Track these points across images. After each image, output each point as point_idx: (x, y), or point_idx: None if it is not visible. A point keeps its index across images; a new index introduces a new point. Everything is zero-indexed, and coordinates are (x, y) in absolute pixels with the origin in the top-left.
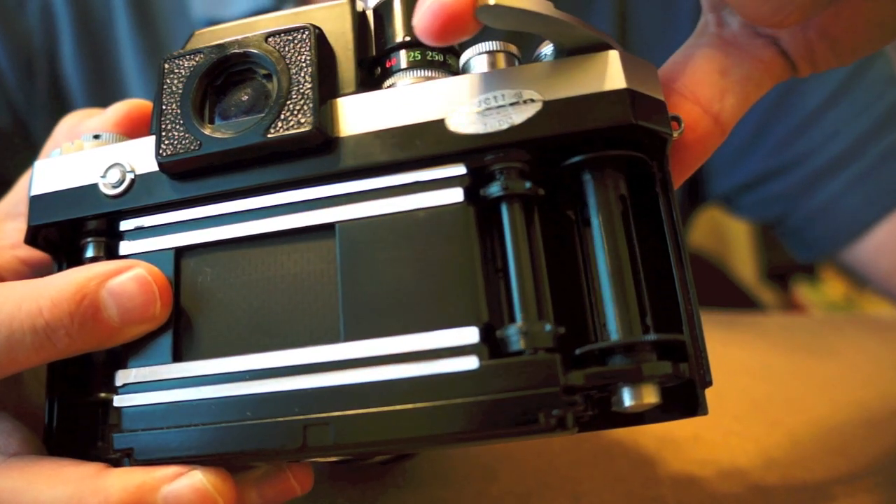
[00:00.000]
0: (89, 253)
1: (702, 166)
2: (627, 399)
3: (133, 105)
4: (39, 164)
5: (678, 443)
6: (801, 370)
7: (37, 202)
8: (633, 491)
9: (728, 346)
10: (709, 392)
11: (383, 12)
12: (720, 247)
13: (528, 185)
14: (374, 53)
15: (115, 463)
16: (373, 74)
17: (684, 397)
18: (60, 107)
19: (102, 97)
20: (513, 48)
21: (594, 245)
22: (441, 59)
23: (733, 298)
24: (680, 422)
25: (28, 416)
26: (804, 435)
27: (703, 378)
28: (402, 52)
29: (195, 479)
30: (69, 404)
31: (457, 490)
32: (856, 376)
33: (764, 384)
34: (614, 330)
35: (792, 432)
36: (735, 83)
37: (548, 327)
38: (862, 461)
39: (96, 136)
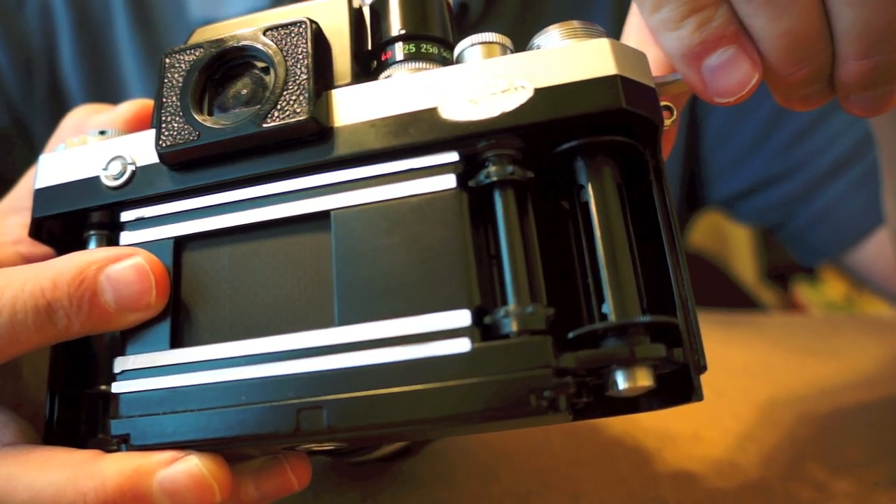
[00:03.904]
0: (92, 246)
1: (702, 172)
2: (621, 382)
3: (142, 105)
4: (44, 158)
5: (678, 442)
6: (801, 370)
7: (40, 195)
8: (634, 491)
9: (728, 346)
10: (709, 391)
11: (379, 8)
12: (720, 247)
13: (519, 170)
14: (369, 48)
15: (113, 452)
16: (369, 68)
17: (679, 385)
18: (59, 106)
19: (101, 97)
20: (506, 40)
21: (591, 225)
22: (436, 51)
23: (733, 298)
24: (680, 421)
25: (25, 409)
26: (803, 434)
27: (698, 363)
28: (398, 45)
29: (191, 463)
30: (70, 397)
31: (457, 490)
32: (856, 376)
33: (764, 384)
34: (609, 311)
35: (792, 432)
36: None
37: (539, 310)
38: (862, 461)
39: (102, 132)
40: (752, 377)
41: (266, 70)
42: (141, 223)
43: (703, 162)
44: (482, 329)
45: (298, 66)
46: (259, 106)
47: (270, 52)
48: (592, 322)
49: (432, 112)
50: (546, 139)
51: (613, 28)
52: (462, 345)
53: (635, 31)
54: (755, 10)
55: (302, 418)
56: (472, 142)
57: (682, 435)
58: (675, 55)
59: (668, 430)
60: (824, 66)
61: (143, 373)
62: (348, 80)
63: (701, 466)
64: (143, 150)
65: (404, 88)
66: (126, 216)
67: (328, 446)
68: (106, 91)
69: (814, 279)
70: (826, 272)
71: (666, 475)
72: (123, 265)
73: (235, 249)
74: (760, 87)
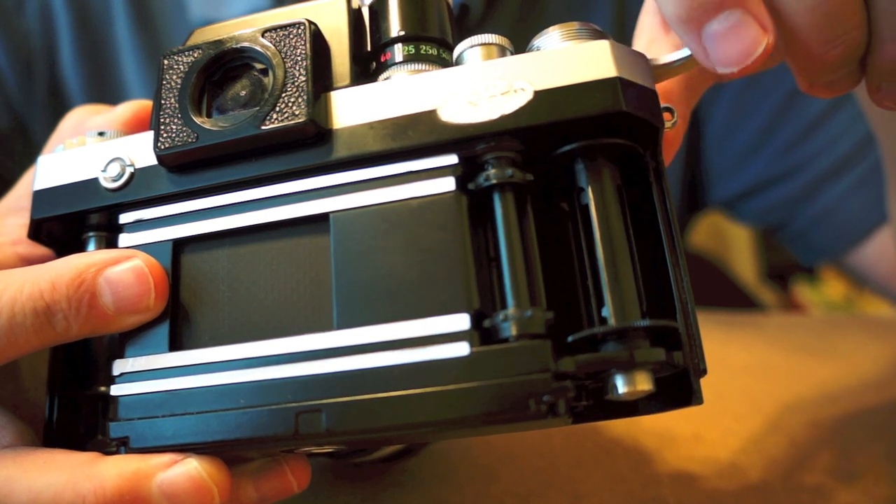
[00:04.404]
0: (91, 247)
1: (703, 173)
2: (621, 386)
3: (141, 105)
4: (43, 160)
5: (678, 442)
6: (801, 370)
7: (39, 196)
8: (634, 491)
9: (728, 346)
10: (709, 391)
11: (378, 9)
12: (720, 247)
13: (518, 173)
14: (369, 49)
15: (111, 454)
16: (368, 69)
17: (679, 388)
18: (60, 107)
19: (102, 97)
20: (505, 41)
21: (591, 228)
22: (435, 52)
23: (733, 298)
24: (680, 421)
25: (24, 410)
26: (804, 435)
27: (698, 366)
28: (397, 47)
29: (190, 466)
30: (69, 399)
31: (458, 490)
32: (857, 377)
33: (764, 384)
34: (609, 315)
35: (792, 432)
36: None
37: (538, 313)
38: (862, 461)
39: (101, 134)
40: (752, 377)
41: (265, 72)
42: (140, 225)
43: (704, 163)
44: (481, 333)
45: (297, 67)
46: (258, 108)
47: (269, 53)
48: (592, 326)
49: (431, 114)
50: (546, 141)
51: (614, 29)
52: (461, 349)
53: (647, 28)
54: None
55: (301, 421)
56: (471, 144)
57: (683, 435)
58: (673, 21)
59: (668, 431)
60: (858, 46)
61: (141, 375)
62: (347, 81)
63: (701, 467)
64: (141, 151)
65: (403, 90)
66: (125, 218)
67: (327, 448)
68: (106, 91)
69: (814, 279)
70: (826, 272)
71: (666, 475)
72: (122, 267)
73: (234, 252)
74: (761, 86)
